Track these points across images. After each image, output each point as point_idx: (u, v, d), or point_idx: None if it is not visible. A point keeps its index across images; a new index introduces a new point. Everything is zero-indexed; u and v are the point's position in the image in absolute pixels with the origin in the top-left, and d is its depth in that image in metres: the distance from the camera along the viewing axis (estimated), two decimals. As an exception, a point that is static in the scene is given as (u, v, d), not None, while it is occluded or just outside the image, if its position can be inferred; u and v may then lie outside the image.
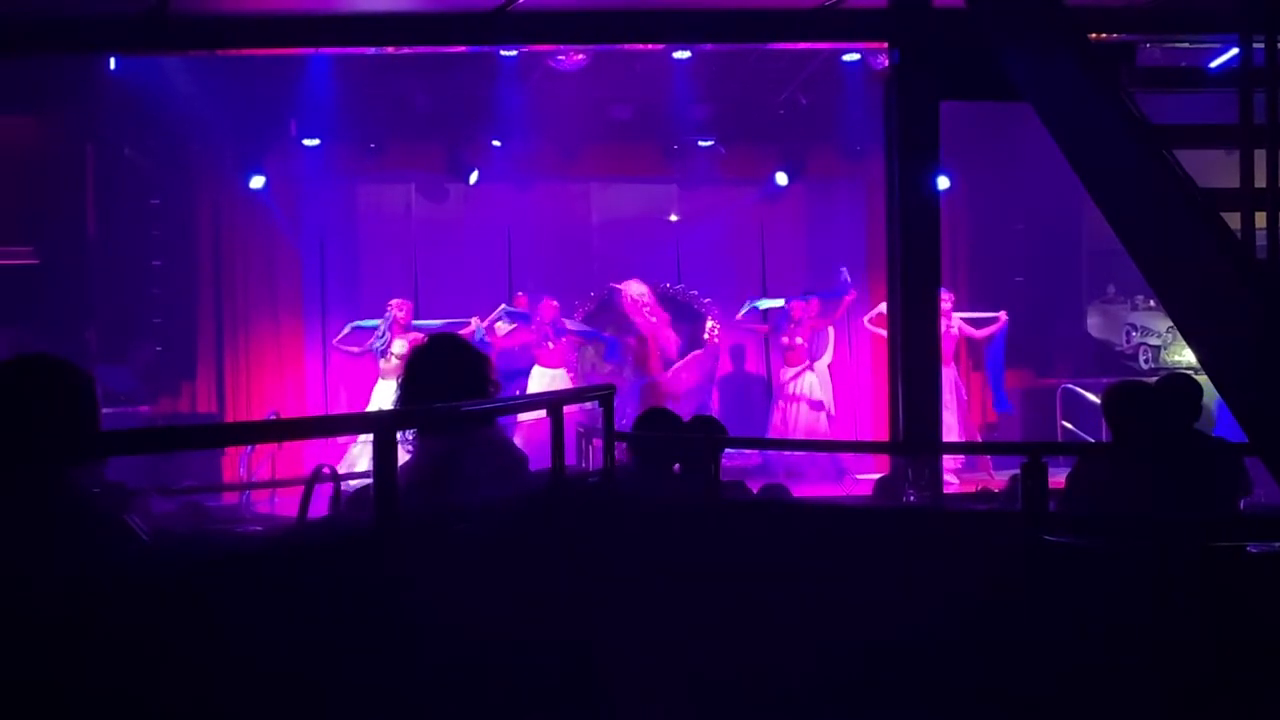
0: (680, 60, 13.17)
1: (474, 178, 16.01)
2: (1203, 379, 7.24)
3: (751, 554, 5.59)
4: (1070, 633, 5.17)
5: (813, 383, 15.38)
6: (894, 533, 5.86)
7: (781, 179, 16.48)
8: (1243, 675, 5.01)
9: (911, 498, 7.80)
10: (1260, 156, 5.00)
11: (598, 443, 6.43)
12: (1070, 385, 15.26)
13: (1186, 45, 9.35)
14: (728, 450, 10.15)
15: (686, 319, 16.75)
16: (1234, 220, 4.99)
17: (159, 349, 15.36)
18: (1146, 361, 16.14)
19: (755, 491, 8.02)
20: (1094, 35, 6.39)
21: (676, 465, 7.00)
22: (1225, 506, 6.76)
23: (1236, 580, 5.24)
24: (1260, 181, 4.98)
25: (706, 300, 16.76)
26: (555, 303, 15.31)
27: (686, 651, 5.24)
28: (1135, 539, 5.66)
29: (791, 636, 5.34)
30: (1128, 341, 16.56)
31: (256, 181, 15.42)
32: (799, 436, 15.00)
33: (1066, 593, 5.29)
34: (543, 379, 15.06)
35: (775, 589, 5.42)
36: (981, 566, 5.42)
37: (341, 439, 12.32)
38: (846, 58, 13.35)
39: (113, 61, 12.69)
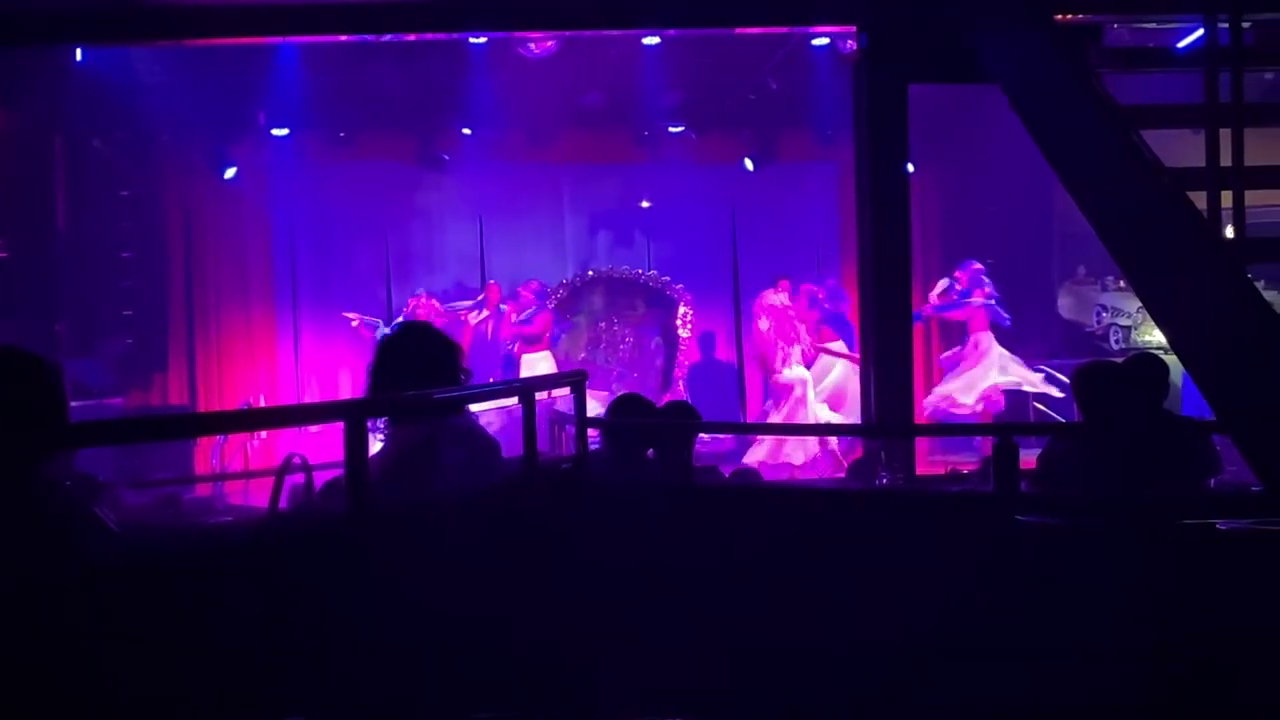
0: (650, 46, 13.14)
1: (445, 165, 15.99)
2: (1171, 359, 7.28)
3: (725, 538, 5.60)
4: (1043, 611, 5.20)
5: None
6: (867, 515, 5.88)
7: (750, 164, 16.48)
8: (1214, 651, 5.04)
9: (884, 480, 7.83)
10: (1226, 136, 5.03)
11: (571, 429, 6.43)
12: (1041, 366, 15.29)
13: (1154, 26, 9.36)
14: (702, 436, 10.17)
15: (660, 306, 16.76)
16: (1200, 199, 5.02)
17: (130, 341, 15.30)
18: (1117, 342, 16.20)
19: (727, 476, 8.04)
20: (1061, 16, 6.39)
21: (650, 451, 7.00)
22: (1194, 485, 6.79)
23: (1206, 557, 5.27)
24: (1226, 160, 5.01)
25: (679, 286, 16.75)
26: (498, 285, 15.40)
27: (662, 635, 5.24)
28: (1105, 518, 5.69)
29: (766, 618, 5.35)
30: (1098, 322, 16.62)
31: (228, 172, 15.37)
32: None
33: (1038, 571, 5.31)
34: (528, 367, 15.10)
35: (749, 572, 5.43)
36: (954, 547, 5.44)
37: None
38: (816, 42, 13.33)
39: (79, 53, 12.61)
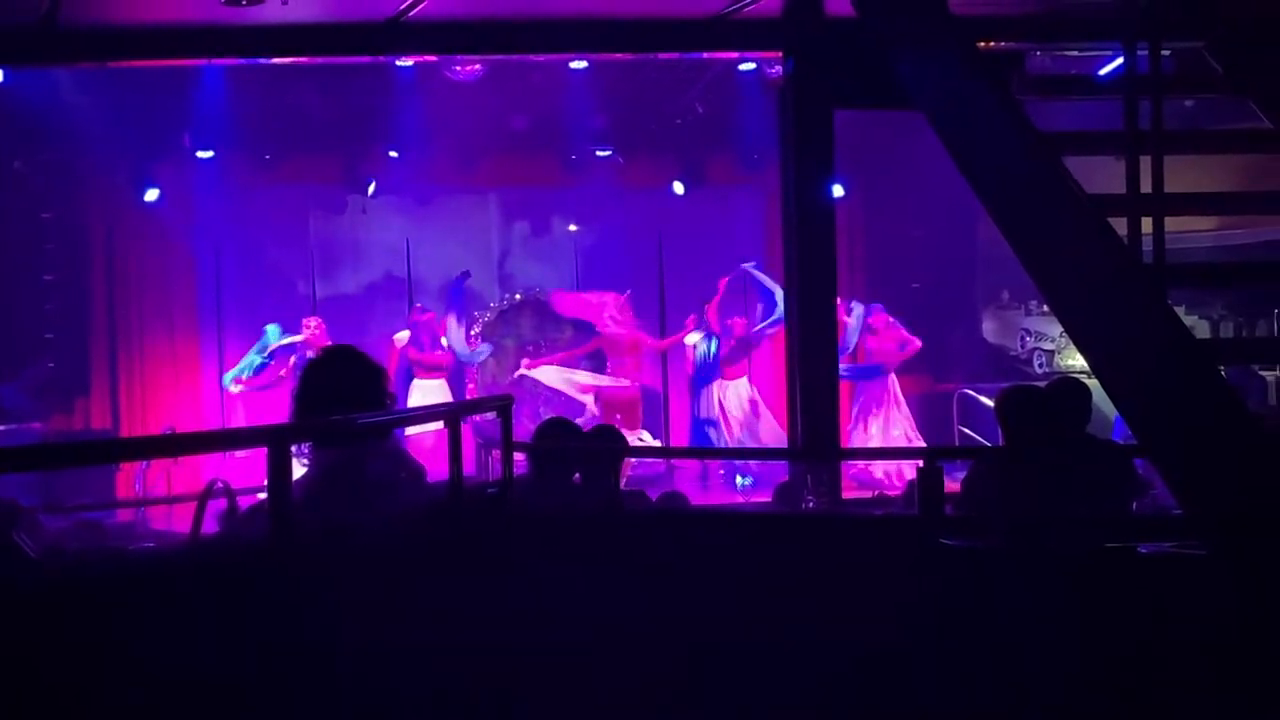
0: (577, 70, 13.15)
1: (371, 189, 15.92)
2: (1094, 383, 7.35)
3: (652, 563, 5.60)
4: (966, 634, 5.23)
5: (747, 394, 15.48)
6: (793, 539, 5.89)
7: (679, 188, 16.53)
8: (1134, 674, 5.08)
9: (810, 503, 7.86)
10: (1145, 162, 5.08)
11: (497, 453, 6.42)
12: (966, 390, 15.40)
13: (1075, 54, 9.48)
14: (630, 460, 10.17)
15: (587, 330, 16.75)
16: (1121, 225, 5.07)
17: (51, 365, 15.11)
18: (1041, 366, 16.33)
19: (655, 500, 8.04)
20: (984, 43, 6.45)
21: (577, 475, 6.99)
22: (1117, 508, 6.85)
23: (1128, 580, 5.32)
24: (1146, 186, 5.07)
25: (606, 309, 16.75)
26: (431, 312, 15.34)
27: (589, 661, 5.23)
28: (1028, 541, 5.74)
29: (692, 644, 5.35)
30: (1022, 346, 16.75)
31: (150, 194, 15.21)
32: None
33: (963, 594, 5.34)
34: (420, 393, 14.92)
35: (675, 596, 5.43)
36: (879, 570, 5.46)
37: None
38: (742, 67, 13.38)
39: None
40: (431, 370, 15.05)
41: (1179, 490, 4.79)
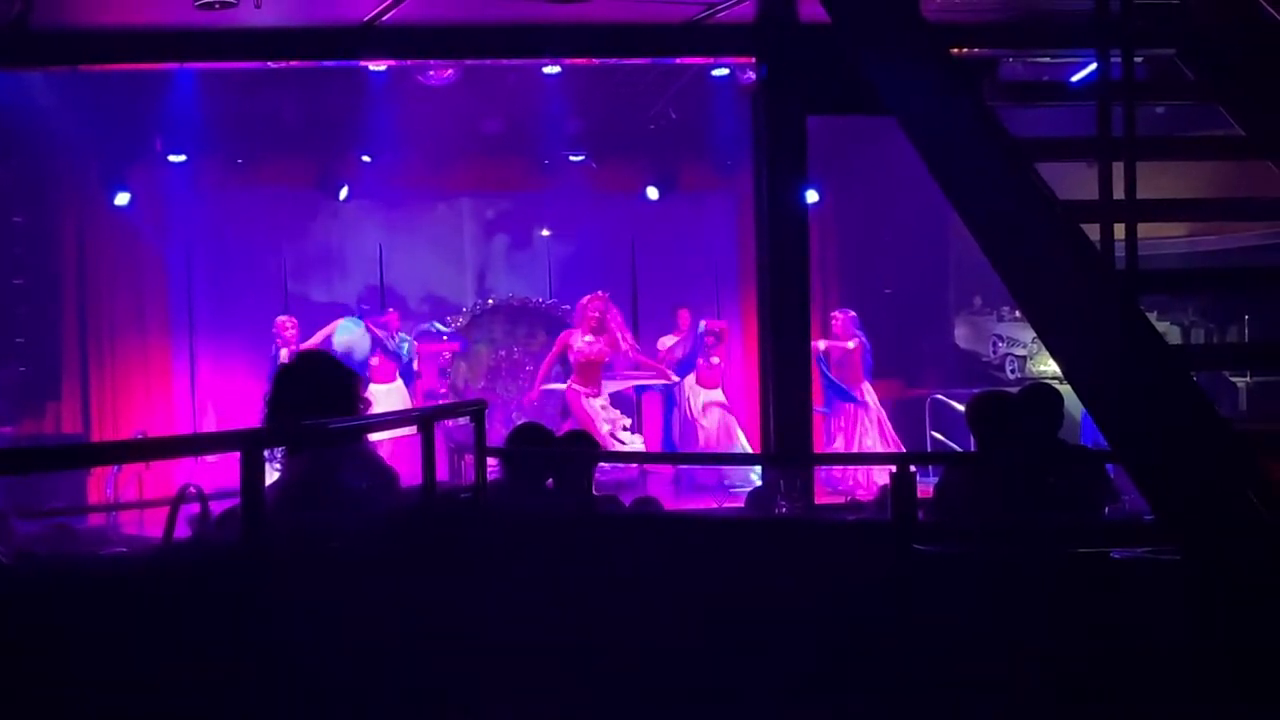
0: (550, 75, 13.15)
1: (344, 193, 15.89)
2: (1065, 388, 7.37)
3: (624, 567, 5.59)
4: (940, 639, 5.23)
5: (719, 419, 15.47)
6: (765, 544, 5.89)
7: (653, 193, 16.53)
8: (1108, 679, 5.10)
9: (783, 509, 7.87)
10: (1119, 169, 5.11)
11: (470, 459, 6.41)
12: (939, 396, 15.42)
13: (1048, 60, 9.51)
14: (603, 465, 10.16)
15: (554, 334, 16.67)
16: (1094, 231, 5.08)
17: (22, 369, 15.02)
18: (1013, 372, 16.37)
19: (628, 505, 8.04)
20: (957, 49, 6.48)
21: (550, 480, 6.99)
22: (1089, 513, 6.88)
23: (1101, 585, 5.34)
24: (1120, 193, 5.09)
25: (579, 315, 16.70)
26: (398, 313, 15.28)
27: (560, 662, 5.23)
28: (1001, 547, 5.75)
29: (664, 647, 5.35)
30: (994, 352, 16.79)
31: (122, 198, 15.14)
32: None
33: (935, 600, 5.35)
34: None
35: (649, 601, 5.43)
36: (852, 576, 5.47)
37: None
38: (716, 72, 13.38)
39: (-31, 77, 12.42)
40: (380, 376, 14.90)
41: (1151, 495, 4.81)
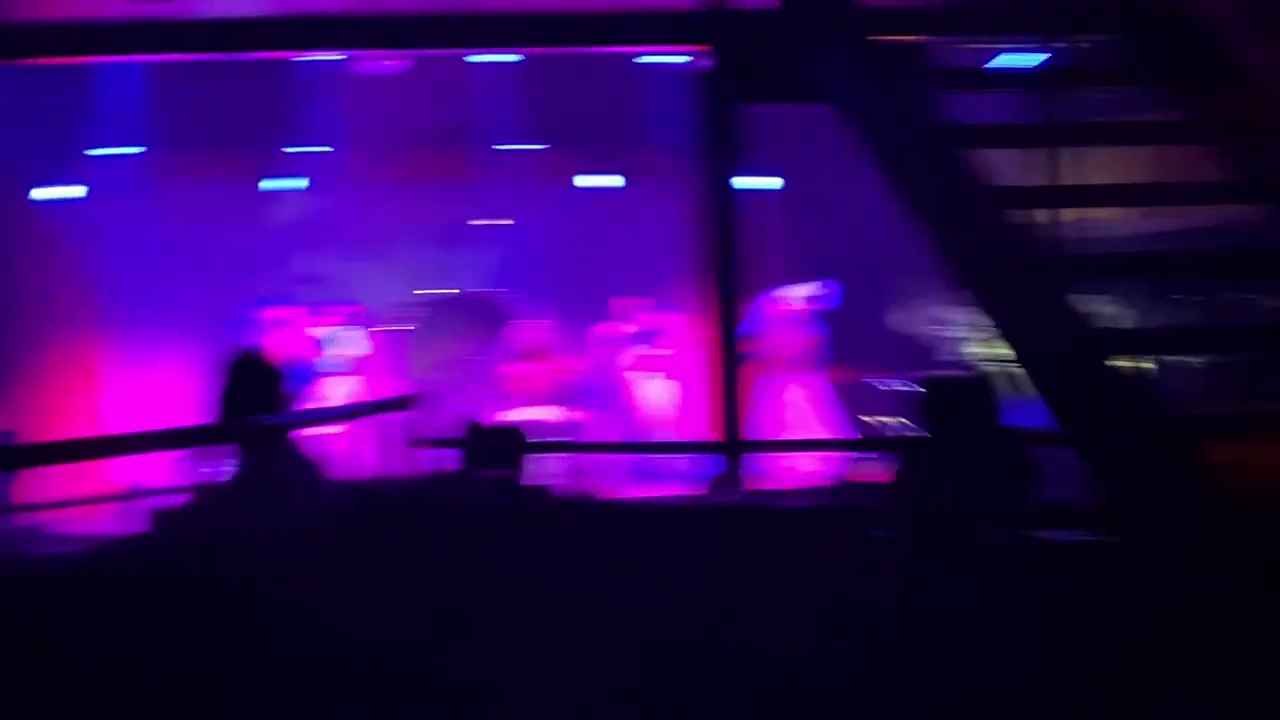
0: (497, 63, 13.11)
1: (283, 185, 15.77)
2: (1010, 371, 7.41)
3: (560, 559, 5.56)
4: (890, 626, 5.24)
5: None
6: (716, 531, 5.88)
7: (600, 181, 16.53)
8: (1052, 664, 5.11)
9: (733, 496, 7.86)
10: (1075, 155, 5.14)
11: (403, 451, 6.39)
12: (885, 380, 15.46)
13: (985, 47, 9.51)
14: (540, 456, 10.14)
15: (496, 323, 16.62)
16: (1033, 217, 5.12)
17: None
18: (959, 356, 16.42)
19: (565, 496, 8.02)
20: (891, 36, 6.47)
21: (484, 471, 6.96)
22: (1032, 497, 6.90)
23: (1047, 569, 5.36)
24: (1059, 179, 5.13)
25: (522, 304, 16.65)
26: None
27: (496, 663, 5.20)
28: (949, 531, 5.77)
29: (607, 643, 5.32)
30: (940, 336, 16.84)
31: (49, 192, 14.93)
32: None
33: (886, 586, 5.36)
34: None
35: (589, 595, 5.40)
36: (802, 562, 5.47)
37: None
38: (663, 60, 13.38)
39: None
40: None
41: (1094, 478, 4.84)
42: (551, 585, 5.45)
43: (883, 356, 16.56)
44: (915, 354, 16.80)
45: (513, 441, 7.42)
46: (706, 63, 8.58)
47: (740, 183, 8.61)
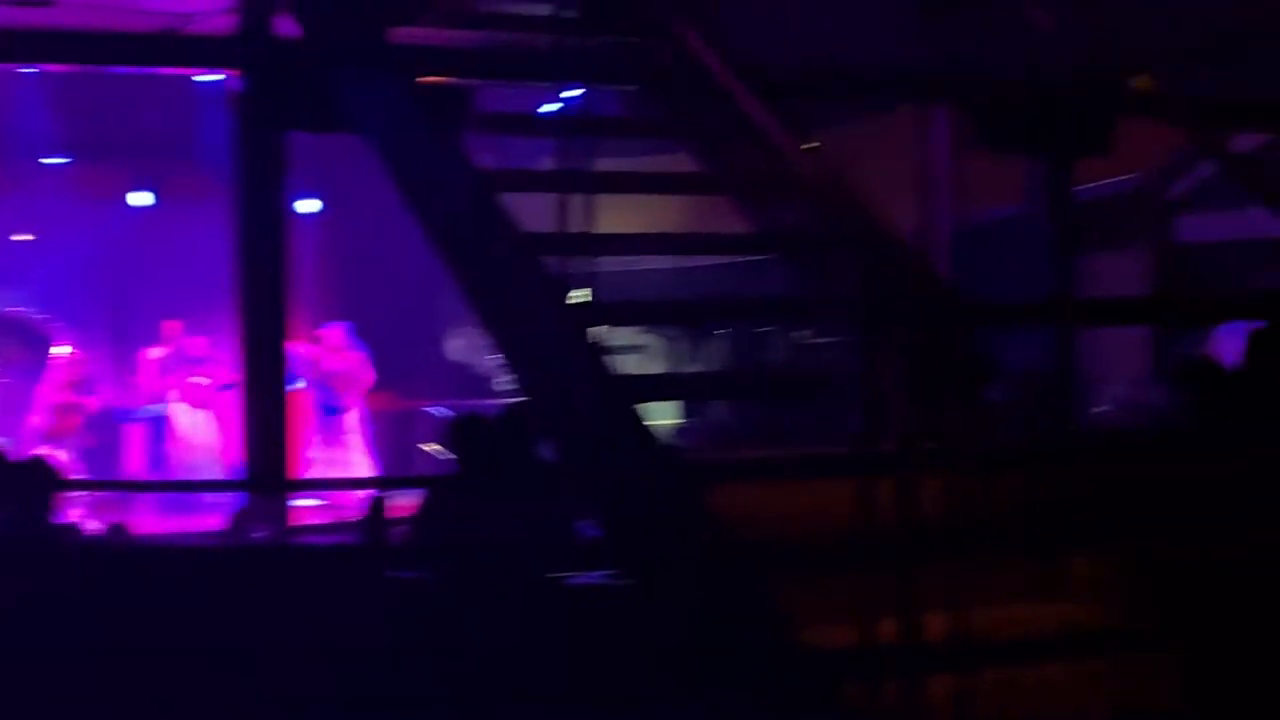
0: (27, 74, 12.53)
1: None
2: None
3: (89, 600, 5.37)
4: (414, 667, 5.23)
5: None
6: (238, 574, 5.76)
7: (138, 199, 16.04)
8: (579, 699, 5.21)
9: (259, 534, 7.69)
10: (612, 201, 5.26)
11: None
12: (432, 408, 15.48)
13: (525, 90, 9.63)
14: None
15: (39, 348, 15.85)
16: (555, 261, 5.22)
17: None
18: (506, 384, 16.54)
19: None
20: (429, 77, 6.48)
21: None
22: (566, 532, 7.01)
23: (565, 608, 5.45)
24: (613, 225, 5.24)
25: (60, 326, 15.93)
26: None
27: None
28: (476, 568, 5.81)
29: (136, 689, 5.17)
30: (487, 364, 16.93)
31: None
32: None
33: (410, 626, 5.35)
34: None
35: (110, 633, 5.23)
36: (326, 603, 5.41)
37: None
38: (203, 79, 13.06)
39: None
40: None
41: (604, 523, 4.95)
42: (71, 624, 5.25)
43: (436, 384, 16.58)
44: (470, 381, 16.88)
45: (40, 477, 7.11)
46: (240, 87, 8.39)
47: (280, 206, 8.45)
